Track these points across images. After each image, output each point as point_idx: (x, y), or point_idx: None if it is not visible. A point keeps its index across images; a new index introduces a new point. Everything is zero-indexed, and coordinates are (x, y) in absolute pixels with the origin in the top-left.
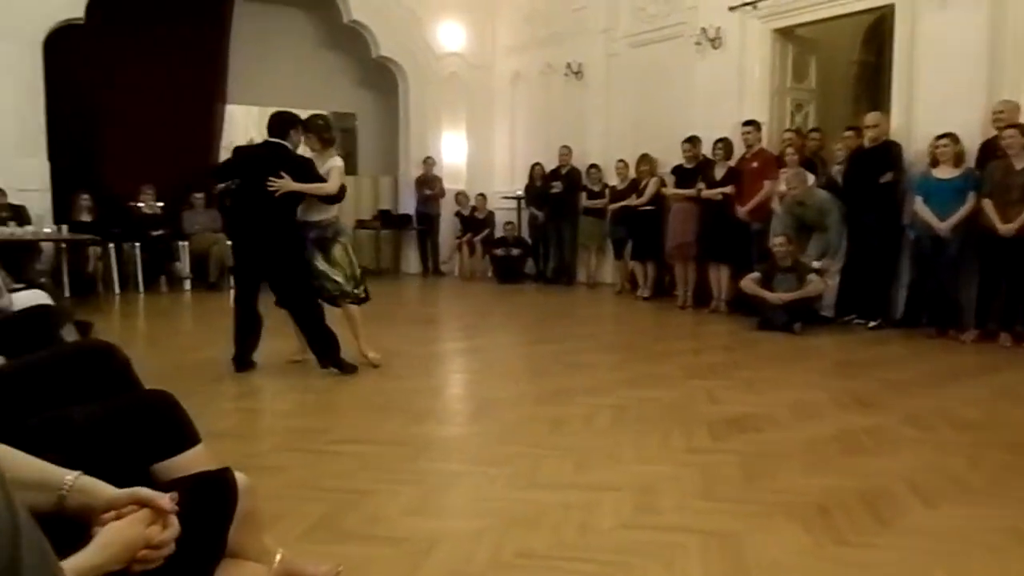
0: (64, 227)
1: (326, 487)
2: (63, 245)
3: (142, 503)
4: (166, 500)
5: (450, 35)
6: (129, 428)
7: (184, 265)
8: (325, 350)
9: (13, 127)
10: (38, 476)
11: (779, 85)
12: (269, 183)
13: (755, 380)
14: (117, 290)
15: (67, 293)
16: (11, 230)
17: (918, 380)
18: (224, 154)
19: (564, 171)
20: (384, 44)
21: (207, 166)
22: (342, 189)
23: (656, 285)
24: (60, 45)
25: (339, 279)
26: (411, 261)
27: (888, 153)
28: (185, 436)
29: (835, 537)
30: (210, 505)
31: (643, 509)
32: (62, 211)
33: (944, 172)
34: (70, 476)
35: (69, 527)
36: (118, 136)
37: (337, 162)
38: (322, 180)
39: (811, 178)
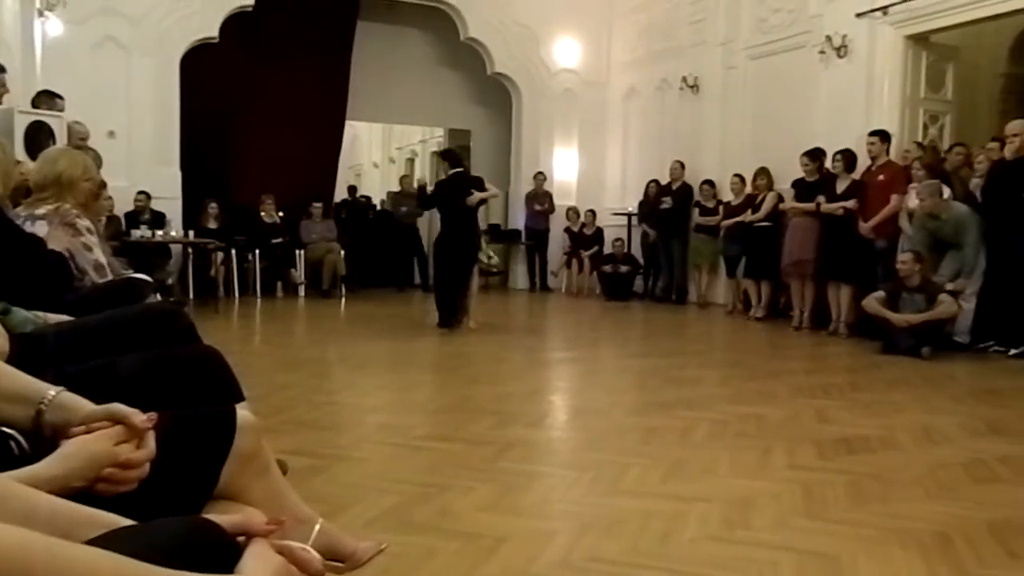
0: (191, 232)
1: (402, 480)
2: (189, 249)
3: (116, 419)
4: (141, 418)
5: (565, 51)
6: (174, 380)
7: (300, 273)
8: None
9: (151, 138)
10: (19, 388)
11: (911, 95)
12: (467, 200)
13: (873, 403)
14: (236, 294)
15: (191, 295)
16: (142, 232)
17: None
18: (343, 168)
19: (675, 187)
20: (499, 61)
21: (327, 180)
22: None
23: (771, 305)
24: (194, 62)
25: (482, 256)
26: (519, 276)
27: None
28: (229, 392)
29: (956, 568)
30: (202, 437)
31: (733, 523)
32: (192, 218)
33: None
34: (52, 391)
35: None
36: (245, 148)
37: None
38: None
39: (947, 191)
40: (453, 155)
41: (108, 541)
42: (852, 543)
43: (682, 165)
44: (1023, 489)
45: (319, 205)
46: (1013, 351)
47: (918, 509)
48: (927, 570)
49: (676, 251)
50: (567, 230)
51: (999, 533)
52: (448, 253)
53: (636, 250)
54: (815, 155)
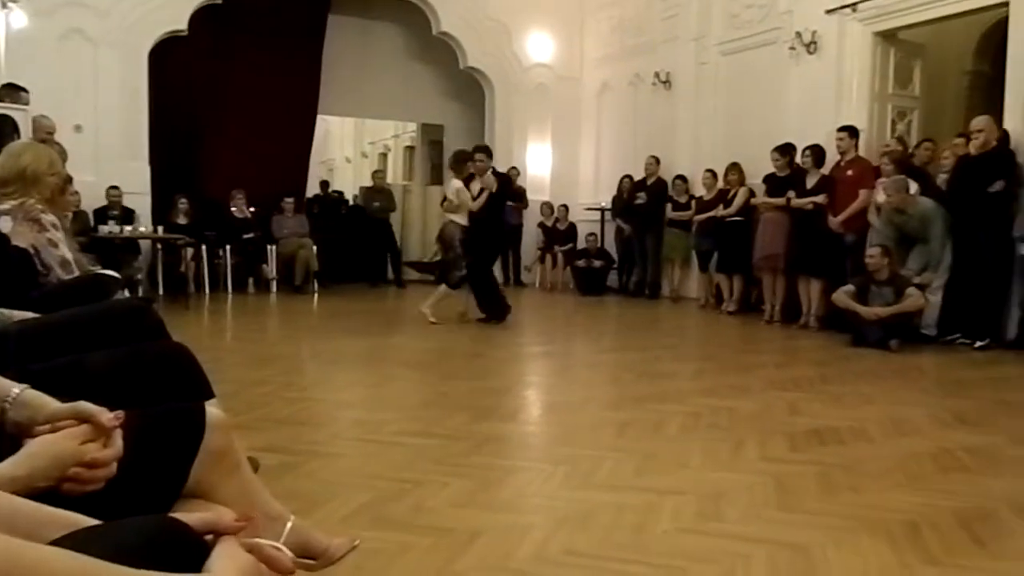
0: (160, 228)
1: (377, 475)
2: (159, 245)
3: (83, 418)
4: (108, 416)
5: (538, 46)
6: (143, 377)
7: (271, 268)
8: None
9: (118, 132)
10: None
11: (880, 91)
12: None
13: (843, 394)
14: (207, 290)
15: (160, 291)
16: (110, 228)
17: None
18: (314, 163)
19: (650, 182)
20: (472, 55)
21: (299, 174)
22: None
23: (743, 299)
24: (163, 55)
25: None
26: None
27: (998, 161)
28: (199, 389)
29: (924, 557)
30: (171, 435)
31: (706, 515)
32: (162, 213)
33: None
34: (16, 389)
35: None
36: (216, 142)
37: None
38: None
39: (914, 186)
40: (491, 152)
41: (72, 541)
42: (823, 533)
43: (657, 160)
44: (989, 479)
45: (291, 200)
46: (979, 343)
47: (887, 499)
48: (896, 559)
49: (651, 246)
50: (541, 225)
51: (966, 521)
52: (498, 248)
53: (609, 245)
54: (785, 150)
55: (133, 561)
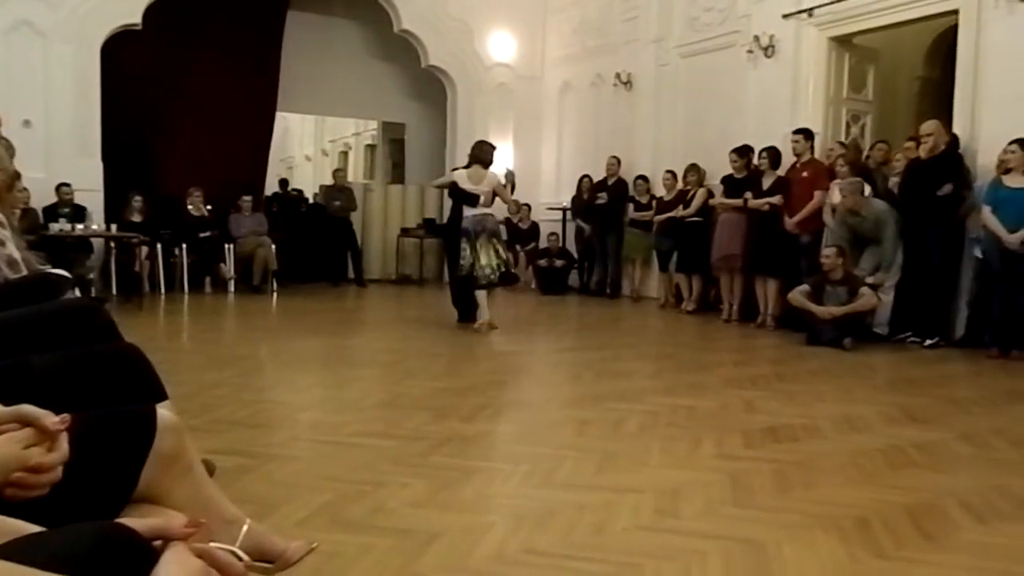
0: (113, 226)
1: (334, 477)
2: (112, 244)
3: (26, 421)
4: (53, 419)
5: (500, 46)
6: (92, 379)
7: (229, 267)
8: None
9: (70, 128)
10: None
11: (835, 95)
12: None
13: (798, 392)
14: (163, 290)
15: (114, 291)
16: (60, 226)
17: (978, 399)
18: (274, 161)
19: (611, 182)
20: (434, 53)
21: (257, 172)
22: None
23: (702, 299)
24: (117, 49)
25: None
26: None
27: (947, 164)
28: (152, 391)
29: (875, 551)
30: (119, 439)
31: (664, 513)
32: (115, 210)
33: (1015, 180)
34: None
35: None
36: (172, 139)
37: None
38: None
39: (868, 188)
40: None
41: (12, 549)
42: (777, 529)
43: (618, 161)
44: (938, 474)
45: (249, 198)
46: (928, 342)
47: (840, 495)
48: (847, 553)
49: (611, 246)
50: (506, 220)
51: (915, 516)
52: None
53: (571, 244)
54: (743, 152)
55: (75, 570)
